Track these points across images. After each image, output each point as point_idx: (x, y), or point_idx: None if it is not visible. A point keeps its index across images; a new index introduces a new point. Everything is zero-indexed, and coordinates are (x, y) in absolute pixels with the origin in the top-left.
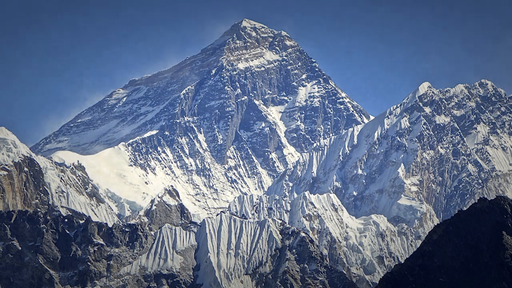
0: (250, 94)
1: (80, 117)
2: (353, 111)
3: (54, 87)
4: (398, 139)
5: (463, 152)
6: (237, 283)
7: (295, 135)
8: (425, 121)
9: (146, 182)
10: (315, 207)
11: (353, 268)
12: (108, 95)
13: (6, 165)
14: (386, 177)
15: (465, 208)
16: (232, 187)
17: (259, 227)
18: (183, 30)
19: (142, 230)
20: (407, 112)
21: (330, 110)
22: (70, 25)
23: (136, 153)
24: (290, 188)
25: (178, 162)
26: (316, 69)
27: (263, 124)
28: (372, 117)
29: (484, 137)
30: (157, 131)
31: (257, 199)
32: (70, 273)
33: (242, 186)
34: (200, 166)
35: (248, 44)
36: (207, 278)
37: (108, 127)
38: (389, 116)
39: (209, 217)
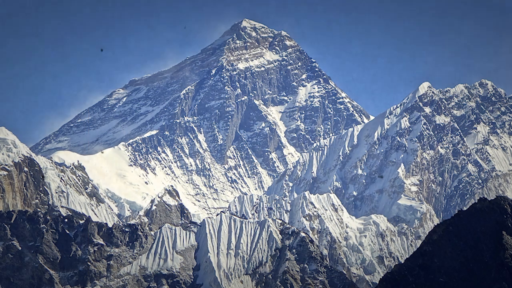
0: (250, 94)
1: (80, 117)
2: (353, 111)
3: (54, 87)
4: (398, 139)
5: (463, 152)
6: (237, 283)
7: (295, 135)
8: (425, 121)
9: (146, 182)
10: (315, 207)
11: (353, 268)
12: (108, 95)
13: (6, 165)
14: (386, 177)
15: (465, 208)
16: (232, 187)
17: (259, 227)
18: (183, 30)
19: (142, 230)
20: (407, 112)
21: (330, 110)
22: (70, 25)
23: (136, 153)
24: (290, 188)
25: (178, 162)
26: (316, 69)
27: (263, 124)
28: (372, 117)
29: (484, 137)
30: (157, 131)
31: (257, 199)
32: (70, 273)
33: (242, 186)
34: (200, 166)
35: (248, 44)
36: (207, 278)
37: (108, 127)
38: (389, 116)
39: (209, 217)
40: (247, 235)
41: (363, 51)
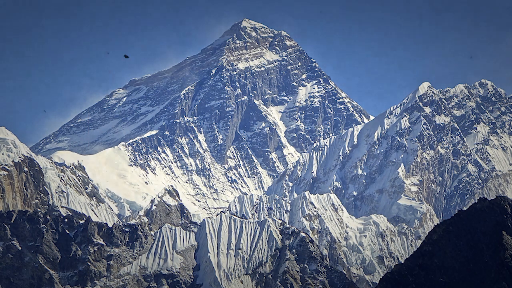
0: (250, 94)
1: (80, 117)
2: (353, 111)
3: (54, 87)
4: (398, 139)
5: (463, 152)
6: (237, 283)
7: (295, 135)
8: (425, 121)
9: (146, 182)
10: (315, 207)
11: (353, 268)
12: (108, 95)
13: (6, 165)
14: (386, 177)
15: (465, 208)
16: (232, 187)
17: (259, 227)
18: (183, 30)
19: (142, 230)
20: (407, 112)
21: (330, 110)
22: (70, 25)
23: (136, 153)
24: (290, 188)
25: (178, 162)
26: (316, 69)
27: (263, 124)
28: (372, 117)
29: (484, 137)
30: (157, 131)
31: (257, 199)
32: (70, 273)
33: (242, 186)
34: (200, 166)
35: (248, 44)
36: (207, 278)
37: (108, 127)
38: (389, 116)
39: (209, 217)
40: (247, 235)
41: (363, 51)
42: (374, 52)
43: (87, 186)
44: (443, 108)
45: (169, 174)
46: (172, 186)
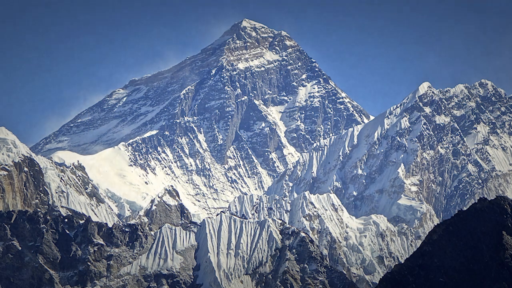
0: (250, 94)
1: (80, 117)
2: (353, 111)
3: (54, 87)
4: (398, 139)
5: (463, 152)
6: (237, 283)
7: (295, 135)
8: (425, 121)
9: (146, 182)
10: (315, 207)
11: (353, 268)
12: (108, 95)
13: (6, 165)
14: (386, 177)
15: (465, 208)
16: (232, 187)
17: (259, 227)
18: (183, 30)
19: (142, 230)
20: (407, 112)
21: (330, 110)
22: (70, 25)
23: (136, 153)
24: (290, 188)
25: (178, 162)
26: (316, 69)
27: (263, 124)
28: (372, 117)
29: (484, 137)
30: (157, 131)
31: (257, 199)
32: (70, 273)
33: (242, 186)
34: (200, 166)
35: (248, 44)
36: (207, 278)
37: (108, 127)
38: (389, 116)
39: (209, 217)
40: (247, 235)
41: (363, 51)
42: (374, 52)
43: (87, 186)
44: (443, 108)
45: (169, 174)
46: (172, 186)
